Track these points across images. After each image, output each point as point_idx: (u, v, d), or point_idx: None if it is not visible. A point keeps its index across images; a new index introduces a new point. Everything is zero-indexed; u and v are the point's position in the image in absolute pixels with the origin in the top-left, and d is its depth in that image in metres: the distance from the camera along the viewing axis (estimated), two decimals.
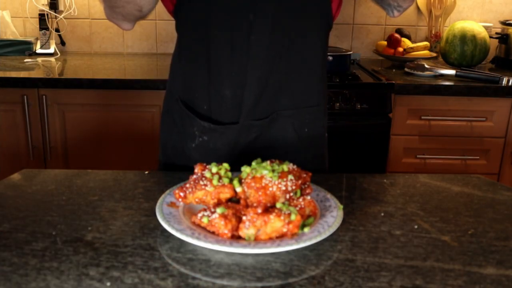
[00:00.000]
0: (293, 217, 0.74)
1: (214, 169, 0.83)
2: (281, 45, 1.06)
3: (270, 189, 0.77)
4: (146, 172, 1.05)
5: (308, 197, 0.81)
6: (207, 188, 0.79)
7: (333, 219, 0.79)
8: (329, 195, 0.88)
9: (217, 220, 0.74)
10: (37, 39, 2.59)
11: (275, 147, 1.12)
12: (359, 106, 2.08)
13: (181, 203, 0.84)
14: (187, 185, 0.81)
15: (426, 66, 2.29)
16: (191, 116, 1.12)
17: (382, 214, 0.88)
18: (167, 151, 1.20)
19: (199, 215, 0.77)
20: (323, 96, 1.16)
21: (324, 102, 1.17)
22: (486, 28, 2.46)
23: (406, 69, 2.33)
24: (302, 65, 1.10)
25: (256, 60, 1.06)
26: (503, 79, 2.12)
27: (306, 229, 0.76)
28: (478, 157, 2.23)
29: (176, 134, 1.16)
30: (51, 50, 2.54)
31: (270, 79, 1.08)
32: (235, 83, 1.07)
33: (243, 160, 0.89)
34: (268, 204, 0.77)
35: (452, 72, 2.23)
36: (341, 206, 0.83)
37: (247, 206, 0.79)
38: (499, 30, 2.57)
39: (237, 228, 0.75)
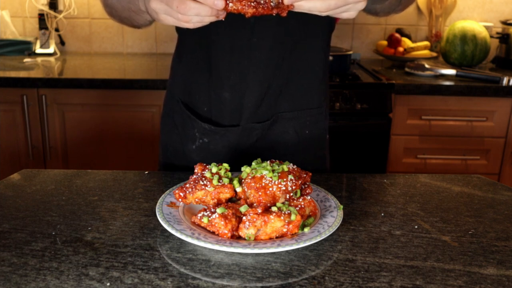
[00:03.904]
0: (293, 217, 0.74)
1: (214, 169, 0.83)
2: (284, 48, 1.06)
3: (270, 189, 0.77)
4: (146, 172, 1.05)
5: (308, 197, 0.81)
6: (207, 188, 0.79)
7: (333, 219, 0.79)
8: (329, 195, 0.88)
9: (217, 220, 0.74)
10: (36, 39, 2.59)
11: (276, 148, 1.12)
12: (359, 106, 2.08)
13: (181, 203, 0.84)
14: (187, 185, 0.81)
15: (427, 66, 2.29)
16: (191, 118, 1.12)
17: (382, 214, 0.88)
18: (168, 152, 1.20)
19: (199, 215, 0.77)
20: (325, 98, 1.16)
21: (325, 104, 1.16)
22: (486, 27, 2.46)
23: (406, 69, 2.32)
24: (305, 67, 1.10)
25: (258, 63, 1.05)
26: (503, 79, 2.12)
27: (306, 229, 0.76)
28: (478, 157, 2.23)
29: (177, 135, 1.16)
30: (51, 50, 2.54)
31: (272, 82, 1.07)
32: (235, 87, 1.07)
33: (244, 162, 0.88)
34: (268, 204, 0.77)
35: (452, 72, 2.23)
36: (341, 206, 0.83)
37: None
38: (499, 30, 2.57)
39: (237, 228, 0.75)
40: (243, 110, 1.08)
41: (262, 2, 0.74)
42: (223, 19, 0.77)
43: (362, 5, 0.76)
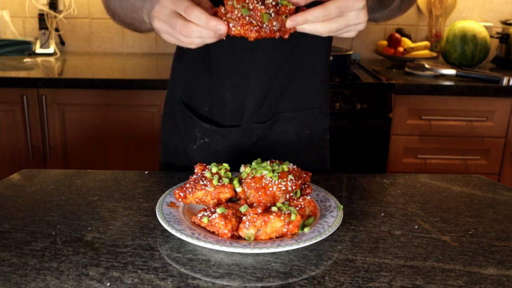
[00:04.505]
0: (293, 217, 0.74)
1: (214, 169, 0.83)
2: (285, 48, 1.06)
3: (270, 189, 0.77)
4: (146, 172, 1.05)
5: (308, 197, 0.81)
6: (207, 188, 0.79)
7: (333, 219, 0.79)
8: (329, 195, 0.88)
9: (217, 220, 0.74)
10: (36, 39, 2.59)
11: (276, 148, 1.12)
12: (359, 106, 2.08)
13: (181, 203, 0.84)
14: (187, 185, 0.81)
15: (427, 66, 2.29)
16: (192, 118, 1.12)
17: (382, 214, 0.88)
18: (169, 152, 1.20)
19: (199, 215, 0.77)
20: (325, 98, 1.16)
21: (326, 104, 1.16)
22: (486, 27, 2.46)
23: (406, 69, 2.32)
24: (306, 67, 1.10)
25: (259, 64, 1.05)
26: (503, 79, 2.12)
27: (306, 229, 0.76)
28: (478, 157, 2.23)
29: (178, 135, 1.16)
30: (51, 50, 2.54)
31: (273, 83, 1.07)
32: (236, 87, 1.07)
33: (244, 162, 0.88)
34: (268, 204, 0.77)
35: (452, 72, 2.23)
36: (341, 206, 0.83)
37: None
38: (499, 30, 2.57)
39: (237, 228, 0.75)
40: (244, 111, 1.08)
41: (264, 26, 0.74)
42: (224, 38, 0.78)
43: (362, 26, 0.77)
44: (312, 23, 0.74)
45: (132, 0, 0.92)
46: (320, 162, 1.20)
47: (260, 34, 0.74)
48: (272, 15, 0.74)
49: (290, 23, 0.74)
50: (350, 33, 0.78)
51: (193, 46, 0.78)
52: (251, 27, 0.73)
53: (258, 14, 0.73)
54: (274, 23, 0.74)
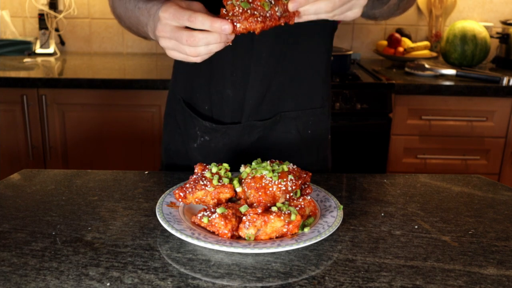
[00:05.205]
0: (293, 217, 0.74)
1: (214, 169, 0.83)
2: (285, 44, 1.06)
3: (270, 189, 0.77)
4: (146, 172, 1.05)
5: (308, 197, 0.81)
6: (207, 188, 0.79)
7: (333, 219, 0.79)
8: (329, 195, 0.88)
9: (217, 220, 0.74)
10: (36, 39, 2.59)
11: (278, 148, 1.12)
12: (359, 106, 2.08)
13: (181, 203, 0.84)
14: (187, 185, 0.81)
15: (427, 66, 2.29)
16: (192, 116, 1.12)
17: (382, 214, 0.88)
18: (170, 152, 1.20)
19: (199, 215, 0.77)
20: (327, 97, 1.16)
21: (328, 104, 1.16)
22: (486, 27, 2.46)
23: (406, 69, 2.33)
24: (307, 66, 1.10)
25: (259, 59, 1.05)
26: (503, 79, 2.12)
27: (306, 229, 0.76)
28: (478, 157, 2.23)
29: (179, 135, 1.16)
30: (51, 50, 2.54)
31: (273, 78, 1.08)
32: (237, 83, 1.07)
33: (245, 162, 0.88)
34: (268, 204, 0.77)
35: (452, 72, 2.23)
36: (341, 206, 0.83)
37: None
38: (499, 30, 2.57)
39: (237, 228, 0.75)
40: (245, 107, 1.09)
41: (268, 15, 0.74)
42: (231, 44, 0.78)
43: (364, 0, 0.77)
44: (314, 2, 0.74)
45: (137, 13, 0.92)
46: (321, 163, 1.20)
47: (265, 24, 0.74)
48: (273, 1, 0.74)
49: (292, 5, 0.74)
50: (354, 10, 0.77)
51: (198, 59, 0.79)
52: (255, 19, 0.74)
53: (259, 4, 0.73)
54: (276, 9, 0.74)
